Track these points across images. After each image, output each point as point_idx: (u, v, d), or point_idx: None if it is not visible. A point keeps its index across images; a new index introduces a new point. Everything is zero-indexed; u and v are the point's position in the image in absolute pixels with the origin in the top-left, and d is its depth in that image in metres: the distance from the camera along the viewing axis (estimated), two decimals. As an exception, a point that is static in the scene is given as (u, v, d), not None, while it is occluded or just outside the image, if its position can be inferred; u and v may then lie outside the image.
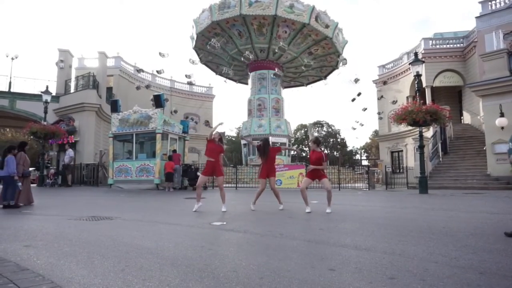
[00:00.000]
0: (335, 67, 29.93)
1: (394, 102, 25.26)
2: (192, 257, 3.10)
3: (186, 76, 26.52)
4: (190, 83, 29.87)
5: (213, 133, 7.03)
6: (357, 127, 36.88)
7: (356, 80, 24.71)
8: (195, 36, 27.09)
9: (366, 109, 27.90)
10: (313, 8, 24.06)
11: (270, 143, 7.91)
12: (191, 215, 6.49)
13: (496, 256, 3.15)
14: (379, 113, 28.08)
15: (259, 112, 28.24)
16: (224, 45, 26.52)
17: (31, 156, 29.71)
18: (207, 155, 7.01)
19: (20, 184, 7.57)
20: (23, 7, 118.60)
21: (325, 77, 31.61)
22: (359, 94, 26.30)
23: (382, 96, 27.34)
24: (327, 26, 24.99)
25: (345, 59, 26.08)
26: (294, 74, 30.80)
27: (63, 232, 4.46)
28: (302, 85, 34.31)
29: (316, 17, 24.24)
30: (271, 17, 23.66)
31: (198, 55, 29.01)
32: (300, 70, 29.66)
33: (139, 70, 28.34)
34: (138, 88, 25.41)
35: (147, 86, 26.79)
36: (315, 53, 27.65)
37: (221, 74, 31.68)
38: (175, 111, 28.43)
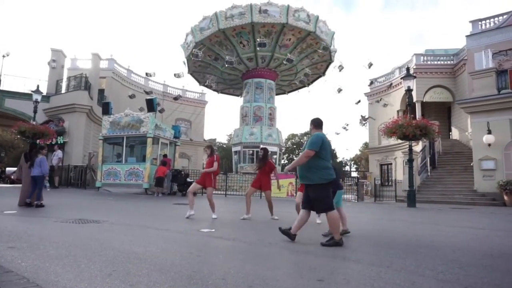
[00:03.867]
0: (322, 74, 30.33)
1: (385, 105, 25.78)
2: (180, 264, 3.07)
3: (174, 75, 26.20)
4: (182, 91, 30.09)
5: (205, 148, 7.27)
6: (342, 132, 37.39)
7: (370, 65, 25.12)
8: (192, 44, 26.95)
9: (359, 101, 27.92)
10: (318, 17, 24.61)
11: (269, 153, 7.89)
12: (180, 220, 6.45)
13: (482, 271, 3.20)
14: (365, 118, 28.22)
15: (251, 120, 28.29)
16: (213, 58, 26.87)
17: (18, 156, 29.18)
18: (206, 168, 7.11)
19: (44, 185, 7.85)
20: (17, 4, 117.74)
21: (310, 83, 31.90)
22: (370, 64, 26.47)
23: (380, 99, 27.58)
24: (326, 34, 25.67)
25: (340, 64, 26.27)
26: (284, 82, 31.08)
27: (49, 234, 4.38)
28: (284, 93, 34.50)
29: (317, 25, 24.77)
30: (280, 25, 23.94)
31: (188, 64, 28.97)
32: (292, 77, 29.93)
33: (149, 74, 27.67)
34: (132, 96, 25.26)
35: (148, 93, 26.62)
36: (311, 60, 27.92)
37: (205, 85, 31.74)
38: (160, 111, 28.30)
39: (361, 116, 28.27)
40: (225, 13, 24.66)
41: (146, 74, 26.90)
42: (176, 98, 28.02)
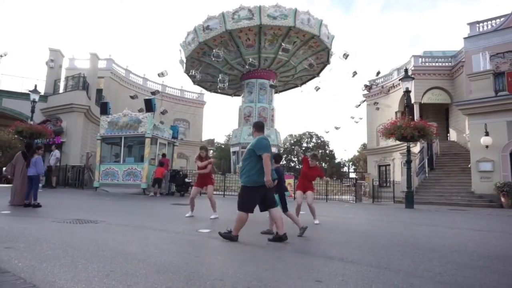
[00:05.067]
0: (326, 62, 29.94)
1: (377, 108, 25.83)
2: (178, 264, 3.07)
3: (158, 75, 25.55)
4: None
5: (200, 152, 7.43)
6: (336, 131, 37.22)
7: (346, 56, 24.86)
8: (184, 60, 27.32)
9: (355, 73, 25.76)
10: (260, 7, 24.13)
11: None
12: (178, 221, 6.43)
13: (479, 272, 3.20)
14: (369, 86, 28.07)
15: (251, 121, 28.26)
16: (207, 66, 27.22)
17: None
18: (199, 171, 7.31)
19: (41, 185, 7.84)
20: (16, 4, 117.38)
21: (318, 74, 31.52)
22: (355, 73, 25.98)
23: (374, 106, 27.67)
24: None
25: (345, 53, 25.56)
26: (287, 78, 30.99)
27: (46, 235, 4.36)
28: (297, 86, 34.11)
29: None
30: (226, 34, 24.11)
31: (190, 77, 29.07)
32: (293, 72, 29.80)
33: (155, 92, 26.77)
34: (134, 97, 25.23)
35: (154, 93, 26.48)
36: (294, 43, 27.49)
37: (215, 91, 31.81)
38: (163, 112, 28.04)
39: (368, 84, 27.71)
40: (184, 41, 26.14)
41: (158, 74, 26.28)
42: (153, 93, 26.57)
